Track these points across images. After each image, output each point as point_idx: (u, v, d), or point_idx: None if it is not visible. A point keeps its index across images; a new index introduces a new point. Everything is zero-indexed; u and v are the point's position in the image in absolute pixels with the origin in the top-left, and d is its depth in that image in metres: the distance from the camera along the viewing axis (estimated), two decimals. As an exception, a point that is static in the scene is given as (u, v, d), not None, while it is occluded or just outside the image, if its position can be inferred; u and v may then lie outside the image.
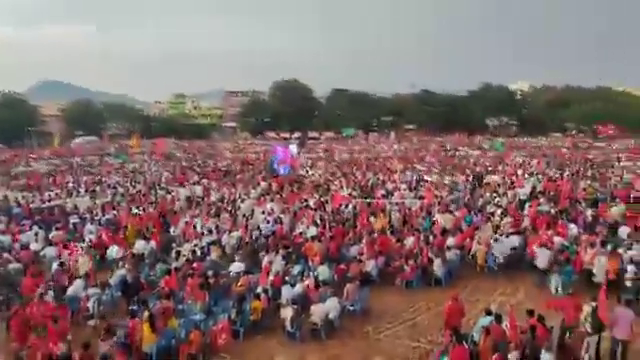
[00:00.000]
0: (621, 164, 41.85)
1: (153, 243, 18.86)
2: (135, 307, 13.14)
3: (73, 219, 23.17)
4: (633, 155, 46.84)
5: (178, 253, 17.37)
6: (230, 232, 19.87)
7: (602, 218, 20.73)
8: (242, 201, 26.56)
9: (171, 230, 21.16)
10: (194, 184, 34.25)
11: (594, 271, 14.96)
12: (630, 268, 14.66)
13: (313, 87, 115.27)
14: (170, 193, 30.05)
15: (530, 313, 11.25)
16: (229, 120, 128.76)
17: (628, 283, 14.34)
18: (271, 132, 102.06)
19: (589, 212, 21.29)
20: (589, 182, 30.39)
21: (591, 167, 40.01)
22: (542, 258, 16.08)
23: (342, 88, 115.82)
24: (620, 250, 15.81)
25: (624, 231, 18.37)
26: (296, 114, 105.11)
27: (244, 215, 22.98)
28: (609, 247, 15.96)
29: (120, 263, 16.62)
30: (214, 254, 17.47)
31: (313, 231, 19.42)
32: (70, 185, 36.03)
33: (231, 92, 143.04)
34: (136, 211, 24.24)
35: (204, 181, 35.79)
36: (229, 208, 25.01)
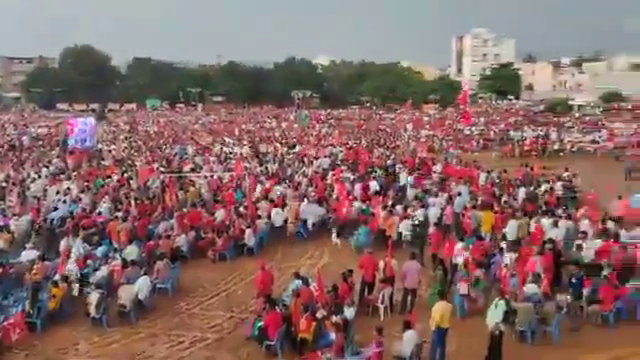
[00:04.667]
0: (407, 133, 47.13)
1: None
2: None
3: None
4: (416, 125, 52.90)
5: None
6: (19, 216, 17.78)
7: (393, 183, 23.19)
8: (32, 181, 23.82)
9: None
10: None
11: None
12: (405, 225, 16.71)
13: (111, 54, 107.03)
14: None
15: (344, 277, 12.21)
16: (10, 90, 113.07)
17: (408, 237, 16.36)
18: (64, 104, 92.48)
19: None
20: (382, 150, 33.65)
21: (383, 137, 44.24)
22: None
23: (144, 57, 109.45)
24: (409, 210, 17.89)
25: (411, 194, 20.80)
26: (92, 84, 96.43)
27: (35, 196, 20.70)
28: (399, 208, 17.98)
29: None
30: (1, 242, 15.49)
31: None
32: None
33: (11, 58, 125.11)
34: None
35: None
36: (17, 189, 22.24)
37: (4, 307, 12.01)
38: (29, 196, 20.94)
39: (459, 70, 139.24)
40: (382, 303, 12.33)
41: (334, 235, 17.59)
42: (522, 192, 20.45)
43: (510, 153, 35.62)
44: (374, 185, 22.02)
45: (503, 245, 14.32)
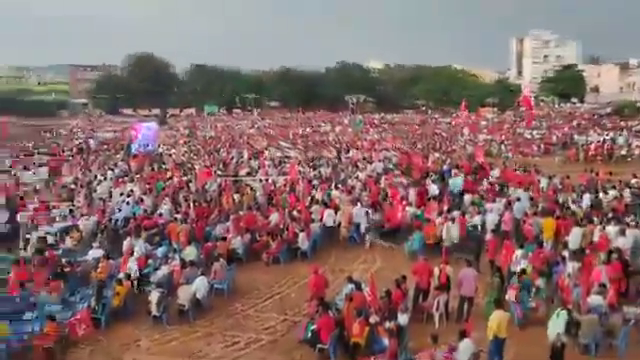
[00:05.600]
0: (463, 137, 46.20)
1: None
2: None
3: None
4: (473, 129, 51.76)
5: (27, 241, 15.92)
6: (86, 217, 18.64)
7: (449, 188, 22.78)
8: (98, 183, 24.94)
9: (17, 217, 19.23)
10: (40, 166, 31.37)
11: (443, 237, 16.40)
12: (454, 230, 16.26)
13: (170, 61, 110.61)
14: (14, 176, 27.25)
15: (398, 283, 12.06)
16: (77, 96, 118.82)
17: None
18: (127, 109, 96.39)
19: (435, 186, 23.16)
20: (437, 155, 33.14)
21: (438, 141, 43.56)
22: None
23: (202, 64, 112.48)
24: (466, 217, 17.52)
25: (468, 199, 20.37)
26: (153, 90, 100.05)
27: (101, 198, 21.65)
28: (455, 214, 17.64)
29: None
30: (70, 241, 16.29)
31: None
32: None
33: (77, 65, 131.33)
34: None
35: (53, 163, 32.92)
36: (84, 191, 23.34)
37: (71, 303, 12.56)
38: (95, 197, 21.87)
39: (519, 73, 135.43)
40: (437, 310, 12.13)
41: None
42: (586, 198, 19.62)
43: (574, 158, 34.20)
44: (433, 189, 21.75)
45: (565, 254, 13.80)
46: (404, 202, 19.54)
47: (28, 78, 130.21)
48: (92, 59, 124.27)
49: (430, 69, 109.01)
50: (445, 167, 27.81)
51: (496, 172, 25.86)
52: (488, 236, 15.97)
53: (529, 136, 44.67)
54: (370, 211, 18.92)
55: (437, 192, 21.43)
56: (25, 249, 15.54)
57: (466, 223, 17.01)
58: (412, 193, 21.03)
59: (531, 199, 19.55)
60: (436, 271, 12.76)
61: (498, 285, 12.18)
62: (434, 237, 16.46)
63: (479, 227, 17.02)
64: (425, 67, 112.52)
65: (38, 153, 38.32)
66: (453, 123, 64.37)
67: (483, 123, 62.11)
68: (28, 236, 16.66)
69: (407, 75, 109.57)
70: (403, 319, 11.01)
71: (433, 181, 23.32)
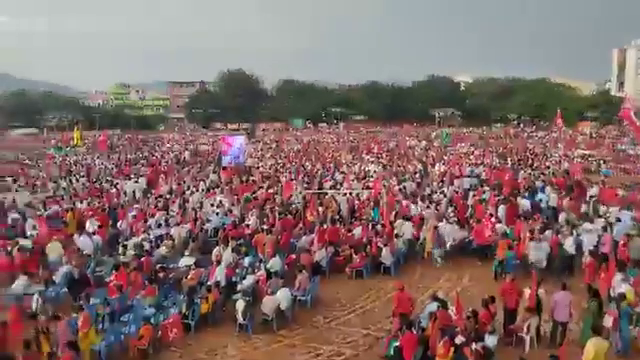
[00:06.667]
0: (558, 153, 43.88)
1: (98, 238, 18.34)
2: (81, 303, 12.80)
3: (12, 214, 22.19)
4: (569, 144, 49.11)
5: (125, 247, 16.99)
6: (180, 225, 19.58)
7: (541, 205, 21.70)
8: (191, 193, 26.17)
9: (118, 224, 20.62)
10: (140, 177, 33.41)
11: (533, 257, 15.62)
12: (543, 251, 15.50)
13: (261, 77, 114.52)
14: (115, 186, 29.23)
15: (485, 303, 11.63)
16: (175, 111, 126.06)
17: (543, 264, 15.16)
18: (219, 123, 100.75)
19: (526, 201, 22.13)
20: (529, 171, 31.69)
21: (531, 156, 41.67)
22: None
23: (290, 79, 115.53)
24: (559, 236, 16.61)
25: (563, 217, 19.28)
26: (244, 105, 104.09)
27: (193, 208, 22.68)
28: (548, 233, 16.76)
29: (64, 259, 16.14)
30: (164, 248, 17.19)
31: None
32: (9, 179, 34.44)
33: (176, 82, 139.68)
34: (80, 205, 23.49)
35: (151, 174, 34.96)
36: (178, 201, 24.59)
37: (164, 307, 13.22)
38: (188, 207, 22.93)
39: (620, 85, 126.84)
40: (527, 334, 11.55)
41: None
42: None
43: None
44: (525, 203, 20.83)
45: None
46: (493, 219, 18.87)
47: (130, 94, 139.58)
48: (189, 76, 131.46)
49: (524, 82, 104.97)
50: (538, 183, 26.55)
51: (594, 190, 24.28)
52: (585, 258, 15.03)
53: (632, 152, 41.65)
54: (457, 227, 18.45)
55: (529, 209, 20.50)
56: (124, 254, 16.53)
57: (559, 243, 16.12)
58: (501, 210, 20.25)
59: (633, 219, 18.17)
60: (526, 292, 12.17)
61: (595, 311, 11.40)
62: (524, 257, 15.74)
63: (574, 248, 16.04)
64: (518, 80, 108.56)
65: (137, 164, 40.90)
66: (547, 138, 61.45)
67: (581, 138, 58.79)
68: (127, 242, 17.74)
69: (498, 88, 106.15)
70: (491, 341, 10.57)
71: (524, 198, 22.33)
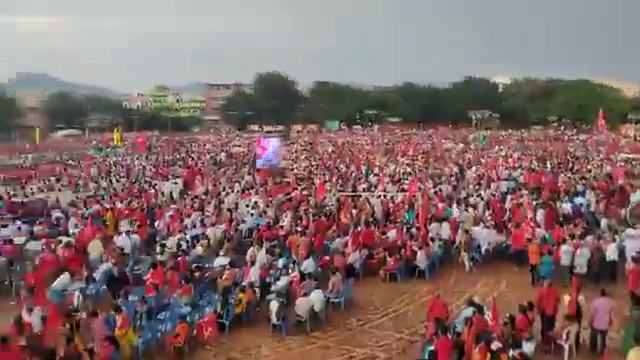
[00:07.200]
0: (600, 156, 42.63)
1: (136, 237, 18.76)
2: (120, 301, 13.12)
3: (56, 213, 22.94)
4: (612, 147, 47.65)
5: (163, 246, 17.32)
6: (215, 226, 19.84)
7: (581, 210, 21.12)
8: (226, 194, 26.51)
9: (155, 224, 21.05)
10: (177, 178, 34.06)
11: (575, 262, 15.23)
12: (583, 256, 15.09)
13: (296, 79, 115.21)
14: (153, 187, 29.86)
15: (523, 309, 11.37)
16: (211, 113, 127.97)
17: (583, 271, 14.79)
18: (254, 125, 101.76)
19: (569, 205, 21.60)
20: (569, 174, 30.89)
21: (571, 159, 40.62)
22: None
23: (324, 81, 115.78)
24: (601, 241, 16.13)
25: (605, 223, 18.72)
26: (279, 107, 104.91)
27: (228, 208, 22.96)
28: (589, 239, 16.30)
29: (104, 257, 16.57)
30: (200, 248, 17.45)
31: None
32: (52, 179, 35.63)
33: (212, 85, 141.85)
34: (120, 205, 24.09)
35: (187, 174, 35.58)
36: (213, 202, 24.94)
37: (199, 307, 13.41)
38: (224, 208, 23.23)
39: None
40: (566, 341, 11.24)
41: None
42: None
43: None
44: (566, 207, 20.33)
45: None
46: (532, 224, 18.46)
47: (168, 97, 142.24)
48: (223, 77, 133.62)
49: (564, 82, 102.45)
50: (579, 187, 25.85)
51: (638, 195, 23.47)
52: (628, 265, 14.55)
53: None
54: (494, 232, 18.14)
55: (569, 214, 19.99)
56: (162, 254, 16.85)
57: (600, 249, 15.66)
58: (540, 214, 19.80)
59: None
60: (565, 299, 11.85)
61: (639, 319, 11.01)
62: (563, 262, 15.35)
63: (616, 254, 15.54)
64: (558, 81, 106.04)
65: (174, 165, 41.69)
66: (589, 141, 59.81)
67: (624, 141, 56.98)
68: (164, 242, 18.09)
69: (537, 89, 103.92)
70: (528, 347, 10.34)
71: (564, 202, 21.78)
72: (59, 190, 31.41)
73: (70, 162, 49.07)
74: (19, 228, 19.91)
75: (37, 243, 17.95)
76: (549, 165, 36.72)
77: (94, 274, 15.26)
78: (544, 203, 21.92)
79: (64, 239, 18.01)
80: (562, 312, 11.71)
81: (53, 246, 17.10)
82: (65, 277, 14.52)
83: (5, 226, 20.26)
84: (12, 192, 29.27)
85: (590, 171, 33.53)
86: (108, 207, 23.25)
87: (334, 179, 31.52)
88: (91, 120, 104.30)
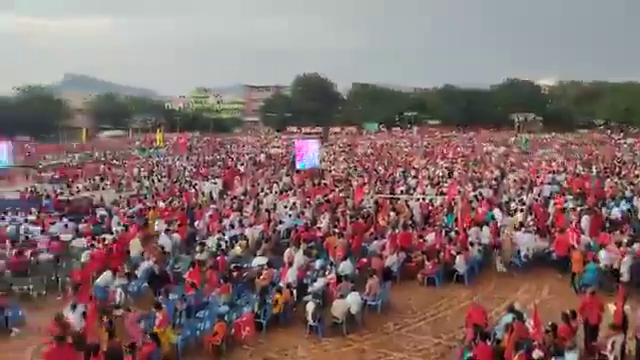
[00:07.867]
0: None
1: (177, 236, 19.14)
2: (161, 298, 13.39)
3: (100, 211, 23.63)
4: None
5: (202, 246, 17.60)
6: (253, 226, 20.03)
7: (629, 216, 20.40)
8: (265, 195, 26.74)
9: (195, 224, 21.41)
10: (216, 178, 34.58)
11: (621, 270, 14.72)
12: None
13: (334, 81, 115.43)
14: (194, 187, 30.39)
15: (566, 317, 11.04)
16: (251, 115, 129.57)
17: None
18: (293, 127, 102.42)
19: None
20: (616, 180, 29.86)
21: (618, 164, 39.27)
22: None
23: (364, 82, 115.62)
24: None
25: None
26: (318, 109, 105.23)
27: (267, 209, 23.16)
28: (636, 246, 15.72)
29: (145, 255, 16.96)
30: (239, 248, 17.65)
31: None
32: (97, 178, 36.74)
33: (252, 86, 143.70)
34: (162, 204, 24.63)
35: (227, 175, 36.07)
36: (252, 202, 25.20)
37: (237, 306, 13.56)
38: (262, 209, 23.45)
39: None
40: (612, 352, 10.85)
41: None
42: None
43: None
44: (616, 212, 19.67)
45: None
46: (577, 230, 17.91)
47: (209, 98, 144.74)
48: (262, 78, 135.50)
49: (610, 85, 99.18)
50: (627, 193, 24.95)
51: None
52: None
53: None
54: (536, 237, 17.69)
55: (617, 219, 19.31)
56: (201, 253, 17.13)
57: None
58: (585, 220, 19.19)
59: None
60: (611, 308, 11.44)
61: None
62: (608, 270, 14.84)
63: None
64: (604, 83, 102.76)
65: (214, 166, 42.36)
66: (637, 145, 57.70)
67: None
68: (204, 241, 18.38)
69: (583, 92, 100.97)
70: (571, 357, 10.02)
71: (611, 208, 21.04)
72: (103, 189, 32.34)
73: (114, 162, 50.48)
74: (65, 225, 20.62)
75: (82, 240, 18.56)
76: (595, 169, 35.60)
77: (136, 272, 15.65)
78: (589, 209, 21.25)
79: (107, 237, 18.53)
80: (606, 321, 11.31)
81: (99, 244, 17.57)
82: (108, 274, 14.93)
83: (52, 223, 21.00)
84: (59, 190, 30.31)
85: (638, 176, 32.31)
86: (150, 206, 23.80)
87: (372, 181, 31.38)
88: (135, 121, 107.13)
